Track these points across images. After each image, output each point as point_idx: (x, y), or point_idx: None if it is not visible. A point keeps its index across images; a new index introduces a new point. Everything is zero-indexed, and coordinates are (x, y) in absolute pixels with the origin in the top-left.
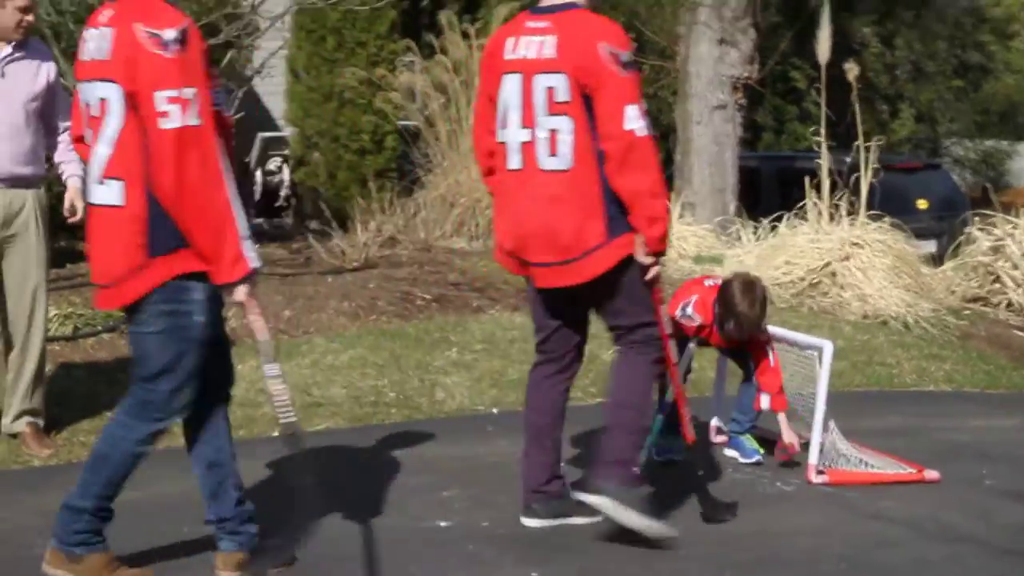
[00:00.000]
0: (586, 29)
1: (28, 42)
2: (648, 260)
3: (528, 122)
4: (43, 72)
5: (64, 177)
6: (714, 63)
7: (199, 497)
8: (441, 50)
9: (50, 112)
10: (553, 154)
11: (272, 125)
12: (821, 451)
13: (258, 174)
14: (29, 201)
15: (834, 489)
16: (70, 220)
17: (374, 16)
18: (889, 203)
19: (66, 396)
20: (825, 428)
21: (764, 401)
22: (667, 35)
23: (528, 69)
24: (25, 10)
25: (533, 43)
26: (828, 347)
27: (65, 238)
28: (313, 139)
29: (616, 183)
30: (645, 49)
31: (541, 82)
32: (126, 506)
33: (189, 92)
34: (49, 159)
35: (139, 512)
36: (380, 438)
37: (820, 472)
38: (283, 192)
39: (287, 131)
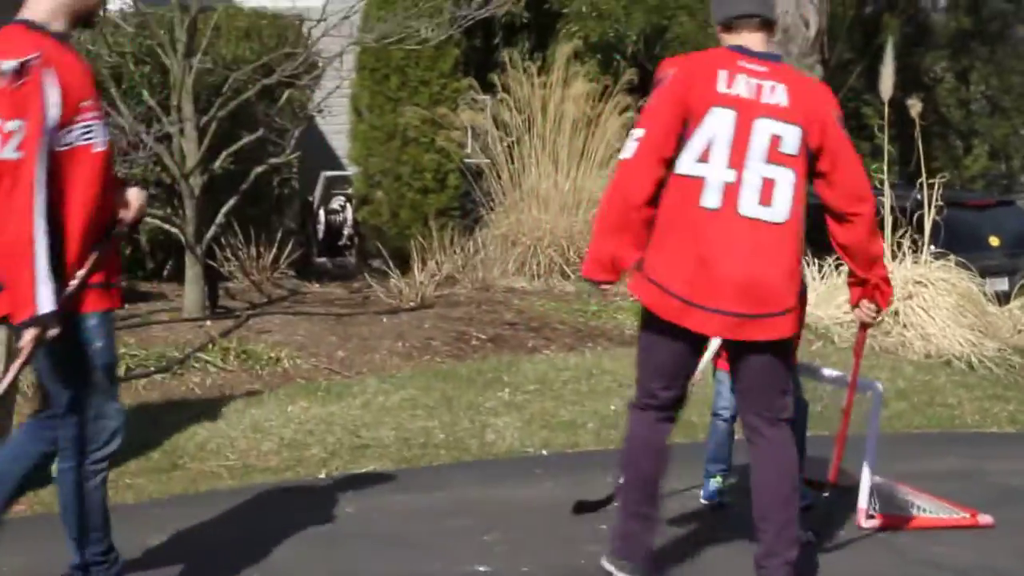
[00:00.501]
0: (815, 90)
1: None
2: (873, 320)
3: (736, 164)
4: None
5: None
6: None
7: (242, 542)
8: (504, 88)
9: None
10: (765, 203)
11: (336, 164)
12: (871, 494)
13: (321, 213)
14: None
15: (884, 534)
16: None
17: (437, 55)
18: (960, 240)
19: None
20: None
21: None
22: None
23: (747, 110)
24: None
25: (755, 85)
26: (878, 388)
27: (126, 278)
28: (376, 178)
29: (864, 246)
30: None
31: (765, 127)
32: (166, 547)
33: (13, 125)
34: None
35: (177, 555)
36: (426, 480)
37: (870, 516)
38: (346, 231)
39: (350, 170)
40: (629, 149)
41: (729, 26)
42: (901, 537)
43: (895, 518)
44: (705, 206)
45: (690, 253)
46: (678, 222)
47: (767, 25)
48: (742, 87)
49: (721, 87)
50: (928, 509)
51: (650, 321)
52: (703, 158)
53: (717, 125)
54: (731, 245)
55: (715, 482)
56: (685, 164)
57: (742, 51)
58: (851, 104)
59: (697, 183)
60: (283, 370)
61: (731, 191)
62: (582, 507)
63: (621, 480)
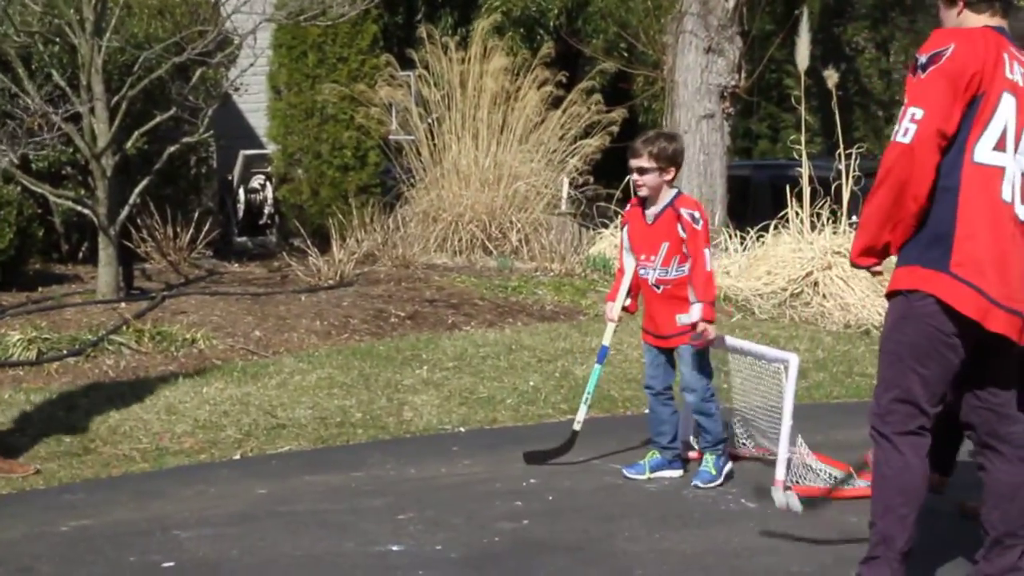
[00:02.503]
0: None
1: None
2: None
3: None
4: None
5: None
6: (701, 72)
7: (154, 526)
8: (423, 64)
9: None
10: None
11: (255, 142)
12: (788, 467)
13: (241, 192)
14: None
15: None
16: None
17: (355, 31)
18: None
19: (24, 422)
20: (792, 442)
21: (696, 311)
22: (656, 45)
23: (1022, 98)
24: None
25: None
26: (793, 360)
27: (40, 261)
28: (295, 156)
29: None
30: (635, 60)
31: None
32: (76, 533)
33: None
34: None
35: (88, 540)
36: (342, 460)
37: (787, 488)
38: (266, 210)
39: (269, 148)
40: (906, 132)
41: (980, 4)
42: (818, 509)
43: (812, 489)
44: (1004, 199)
45: (995, 249)
46: (982, 215)
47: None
48: (1018, 73)
49: (1007, 71)
50: (843, 479)
51: (941, 325)
52: (999, 146)
53: (1007, 112)
54: (1018, 241)
55: (649, 456)
56: (984, 152)
57: (1003, 33)
58: (773, 76)
59: (997, 173)
60: (199, 351)
61: (1018, 184)
62: (534, 458)
63: (882, 519)
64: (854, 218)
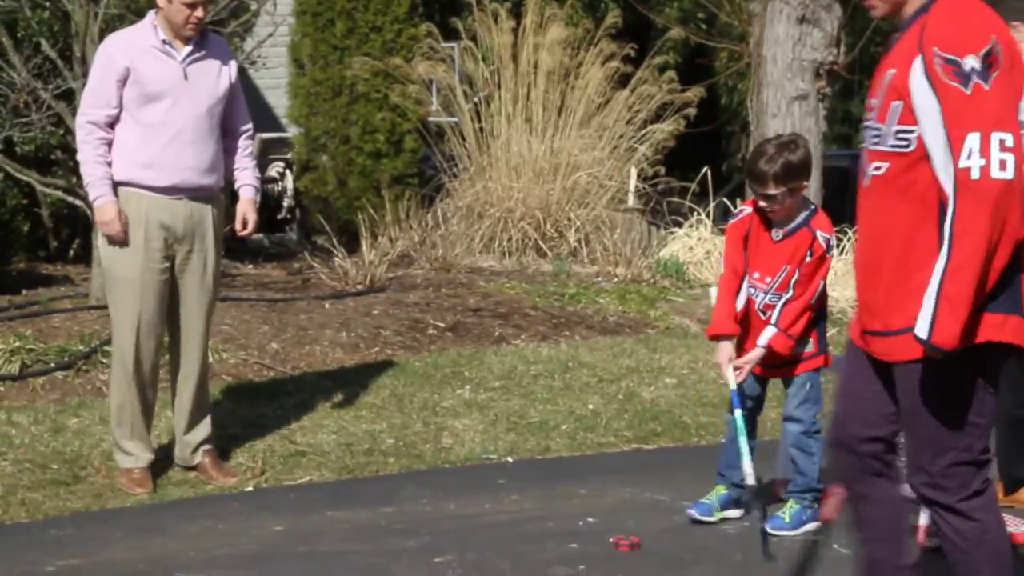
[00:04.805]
0: None
1: (208, 40)
2: None
3: None
4: (225, 73)
5: (237, 186)
6: (793, 46)
7: (153, 567)
8: (470, 35)
9: (230, 115)
10: None
11: (273, 124)
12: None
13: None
14: (209, 215)
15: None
16: (241, 233)
17: None
18: None
19: (3, 445)
20: None
21: (766, 335)
22: (742, 15)
23: None
24: (192, 5)
25: None
26: None
27: (25, 259)
28: (320, 140)
29: None
30: (716, 31)
31: None
32: (64, 574)
33: None
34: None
35: None
36: (371, 492)
37: (932, 535)
38: (286, 203)
39: (290, 131)
40: (1004, 164)
41: None
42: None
43: None
44: None
45: None
46: None
47: None
48: None
49: None
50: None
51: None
52: None
53: None
54: None
55: (716, 491)
56: None
57: None
58: (877, 50)
59: None
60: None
61: None
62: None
63: None
64: None
